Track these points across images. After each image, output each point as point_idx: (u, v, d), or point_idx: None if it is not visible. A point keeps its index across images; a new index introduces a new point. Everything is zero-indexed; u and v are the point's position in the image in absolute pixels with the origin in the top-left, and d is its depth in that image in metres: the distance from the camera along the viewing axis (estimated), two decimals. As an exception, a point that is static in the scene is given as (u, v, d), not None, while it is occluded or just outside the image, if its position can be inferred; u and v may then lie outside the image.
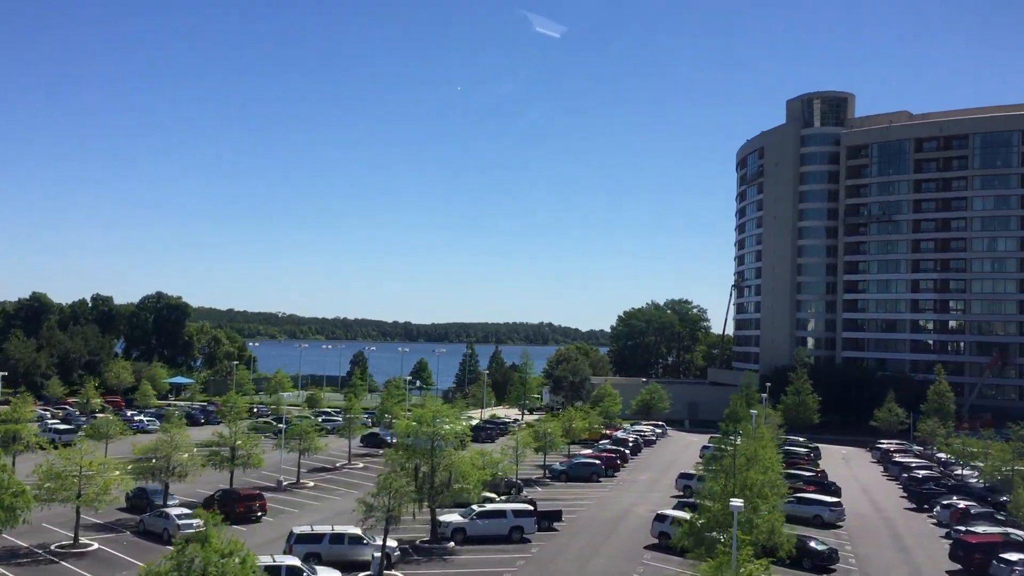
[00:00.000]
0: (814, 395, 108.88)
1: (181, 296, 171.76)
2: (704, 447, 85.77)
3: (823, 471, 77.44)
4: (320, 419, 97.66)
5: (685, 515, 45.76)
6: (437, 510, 50.42)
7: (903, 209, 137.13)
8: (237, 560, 28.81)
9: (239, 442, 61.57)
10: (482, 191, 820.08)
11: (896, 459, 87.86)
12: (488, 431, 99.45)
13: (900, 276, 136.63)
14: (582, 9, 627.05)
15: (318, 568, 40.58)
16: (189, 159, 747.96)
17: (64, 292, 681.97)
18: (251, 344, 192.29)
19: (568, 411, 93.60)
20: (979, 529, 52.12)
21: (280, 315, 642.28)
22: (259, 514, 54.90)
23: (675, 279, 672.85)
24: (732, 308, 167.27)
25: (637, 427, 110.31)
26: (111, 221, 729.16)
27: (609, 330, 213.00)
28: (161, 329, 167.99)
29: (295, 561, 39.13)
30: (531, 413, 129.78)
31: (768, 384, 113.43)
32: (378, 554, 42.11)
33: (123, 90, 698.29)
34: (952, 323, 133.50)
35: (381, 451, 75.46)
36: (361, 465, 79.56)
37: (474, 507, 52.31)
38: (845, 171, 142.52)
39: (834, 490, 67.69)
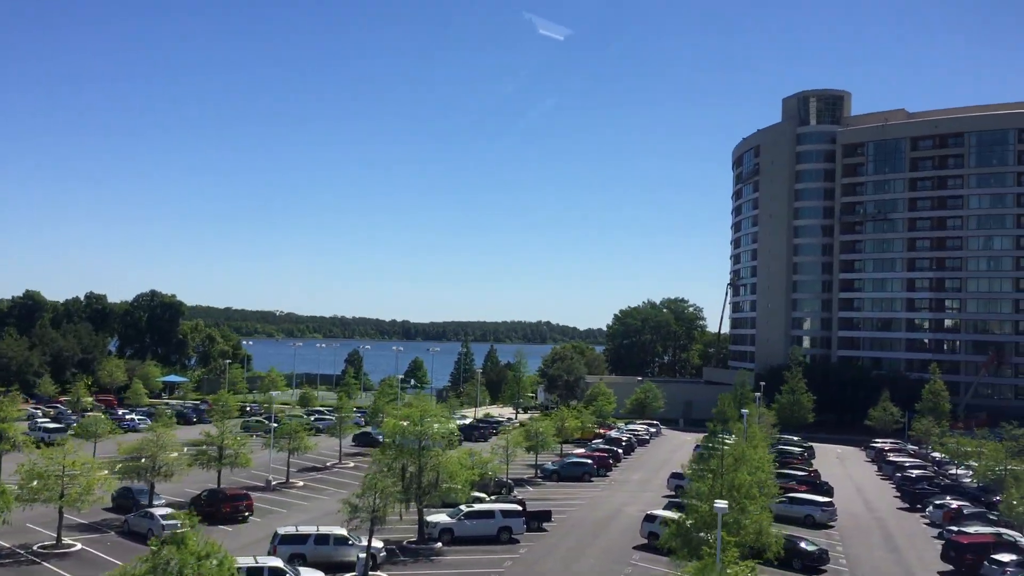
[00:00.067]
0: (808, 394, 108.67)
1: (175, 294, 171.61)
2: (697, 446, 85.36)
3: (816, 471, 77.13)
4: (312, 418, 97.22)
5: (674, 515, 45.32)
6: (425, 510, 49.98)
7: (899, 207, 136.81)
8: (214, 562, 28.25)
9: (227, 441, 61.05)
10: (482, 190, 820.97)
11: (890, 458, 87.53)
12: (481, 430, 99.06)
13: (896, 275, 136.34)
14: (582, 9, 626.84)
15: (302, 569, 40.11)
16: (189, 157, 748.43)
17: (58, 290, 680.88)
18: (246, 343, 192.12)
19: (560, 410, 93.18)
20: (971, 529, 51.75)
21: (278, 313, 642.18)
22: (246, 514, 54.43)
23: (672, 278, 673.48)
24: (728, 307, 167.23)
25: (631, 426, 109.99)
26: (108, 219, 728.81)
27: (606, 329, 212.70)
28: (155, 327, 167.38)
29: (278, 562, 38.65)
30: (525, 412, 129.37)
31: (763, 383, 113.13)
32: (363, 555, 41.67)
33: (120, 88, 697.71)
34: (948, 322, 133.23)
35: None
36: (352, 465, 79.08)
37: (462, 507, 51.87)
38: (841, 169, 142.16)
39: (826, 490, 67.30)
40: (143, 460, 53.34)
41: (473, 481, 54.21)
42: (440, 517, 50.77)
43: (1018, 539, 50.04)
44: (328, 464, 79.26)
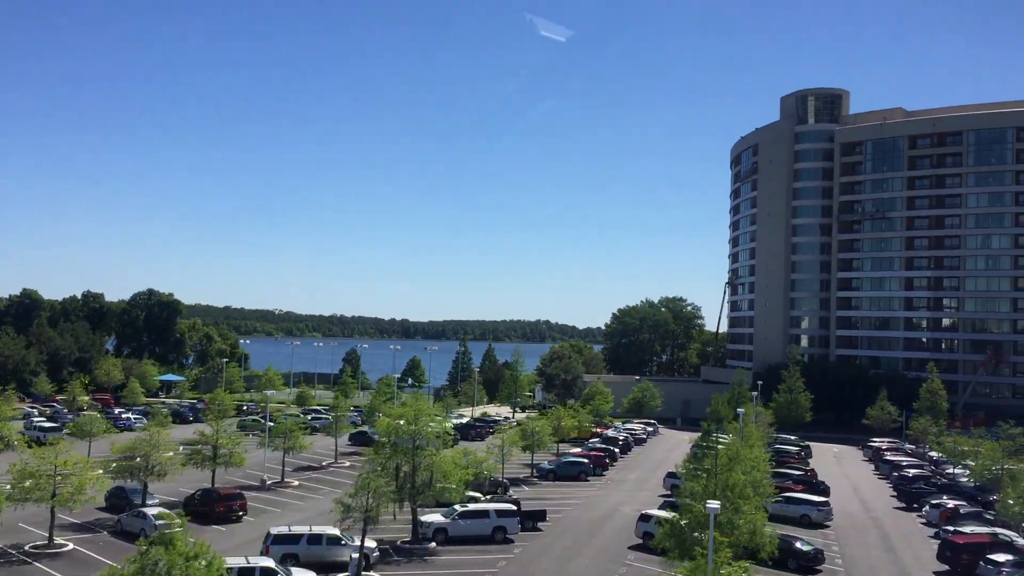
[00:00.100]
0: (806, 393, 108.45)
1: (173, 293, 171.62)
2: (692, 446, 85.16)
3: (813, 470, 76.86)
4: (309, 417, 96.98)
5: (669, 515, 45.11)
6: (419, 510, 49.77)
7: (897, 206, 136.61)
8: (203, 563, 28.08)
9: (221, 440, 60.80)
10: (482, 190, 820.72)
11: (887, 458, 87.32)
12: (478, 429, 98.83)
13: (894, 274, 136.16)
14: (582, 10, 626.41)
15: (295, 570, 39.90)
16: (188, 157, 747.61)
17: (56, 288, 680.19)
18: (244, 341, 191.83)
19: (557, 409, 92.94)
20: (967, 529, 51.50)
21: (277, 312, 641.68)
22: (240, 514, 54.23)
23: (670, 277, 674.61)
24: (726, 306, 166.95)
25: (628, 425, 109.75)
26: (107, 218, 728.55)
27: (604, 328, 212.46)
28: (152, 326, 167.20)
29: (269, 562, 38.43)
30: (523, 411, 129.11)
31: (760, 382, 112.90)
32: (356, 555, 41.46)
33: (120, 88, 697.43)
34: (946, 321, 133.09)
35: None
36: (348, 464, 78.81)
37: (456, 507, 51.64)
38: (839, 168, 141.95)
39: (823, 489, 67.14)
40: (136, 459, 53.18)
41: (468, 480, 54.01)
42: (434, 517, 50.54)
43: (1014, 539, 49.82)
44: (324, 463, 79.01)
